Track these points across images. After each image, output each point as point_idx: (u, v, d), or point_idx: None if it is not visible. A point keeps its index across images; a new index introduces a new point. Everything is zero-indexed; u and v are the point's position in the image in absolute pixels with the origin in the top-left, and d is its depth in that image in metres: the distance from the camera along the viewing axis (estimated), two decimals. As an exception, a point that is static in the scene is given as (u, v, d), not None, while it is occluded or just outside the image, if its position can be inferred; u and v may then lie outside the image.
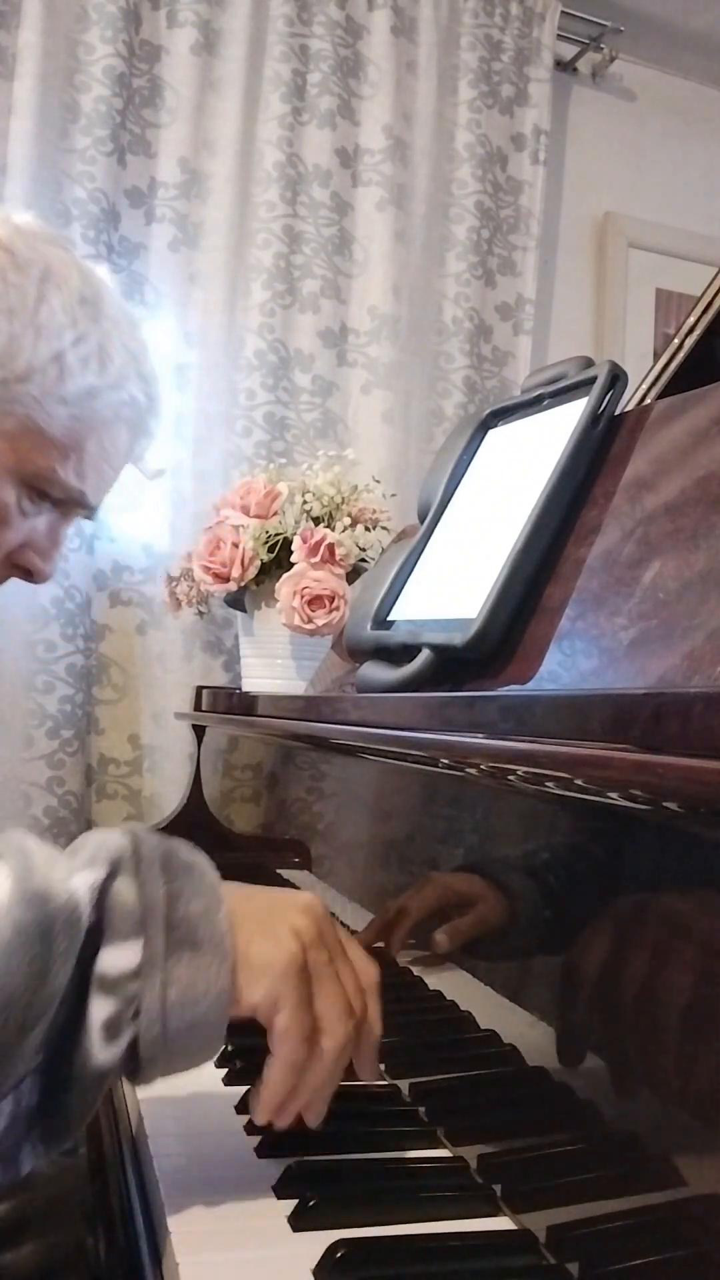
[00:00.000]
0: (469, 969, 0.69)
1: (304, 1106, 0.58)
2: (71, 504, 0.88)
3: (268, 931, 0.57)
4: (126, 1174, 0.68)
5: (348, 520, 1.44)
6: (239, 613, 1.57)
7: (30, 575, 0.90)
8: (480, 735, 0.60)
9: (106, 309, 0.84)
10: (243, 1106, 0.69)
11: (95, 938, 0.53)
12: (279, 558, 1.43)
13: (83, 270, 0.85)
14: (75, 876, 0.54)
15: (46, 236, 0.85)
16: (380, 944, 0.82)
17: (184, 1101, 0.72)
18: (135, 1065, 0.53)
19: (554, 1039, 0.57)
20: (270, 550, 1.44)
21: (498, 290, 2.18)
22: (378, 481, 1.55)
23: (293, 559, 1.40)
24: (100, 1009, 0.52)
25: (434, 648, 0.81)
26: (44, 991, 0.50)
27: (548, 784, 0.51)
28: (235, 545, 1.43)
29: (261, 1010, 0.56)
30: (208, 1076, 0.75)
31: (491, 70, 2.16)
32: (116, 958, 0.53)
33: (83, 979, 0.52)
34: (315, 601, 1.36)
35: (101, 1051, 0.52)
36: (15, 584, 0.93)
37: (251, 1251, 0.55)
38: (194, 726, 1.62)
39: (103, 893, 0.54)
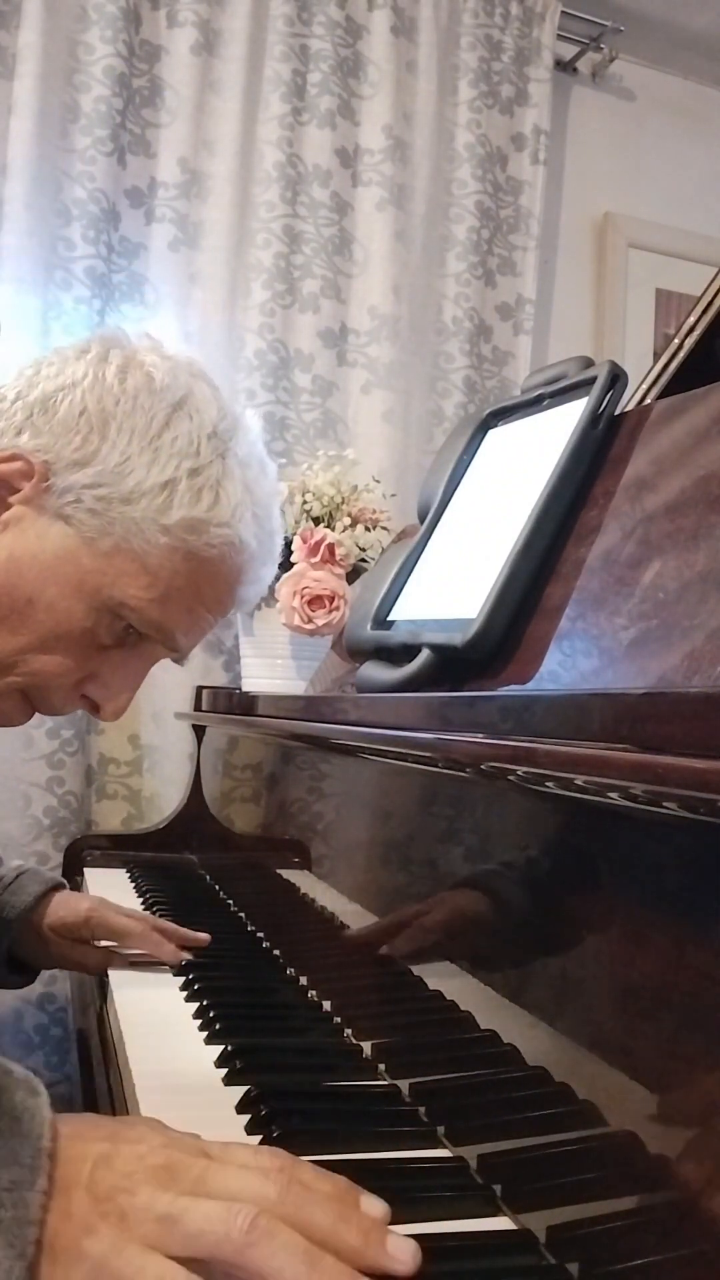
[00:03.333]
0: (469, 969, 0.69)
1: None
2: (155, 642, 0.81)
3: (103, 1219, 0.42)
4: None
5: (348, 520, 1.44)
6: (239, 612, 1.57)
7: (96, 709, 0.82)
8: (480, 735, 0.60)
9: (236, 449, 0.80)
10: (244, 1107, 0.69)
11: None
12: (279, 558, 1.44)
13: (225, 409, 0.80)
14: None
15: (195, 370, 0.81)
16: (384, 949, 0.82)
17: (183, 1102, 0.72)
18: None
19: (554, 1039, 0.57)
20: (270, 550, 1.44)
21: (498, 290, 2.18)
22: (378, 481, 1.55)
23: (293, 559, 1.40)
24: None
25: (434, 648, 0.81)
26: None
27: (547, 784, 0.51)
28: (235, 545, 1.43)
29: None
30: (207, 1076, 0.75)
31: (491, 70, 2.16)
32: None
33: None
34: (315, 601, 1.36)
35: None
36: None
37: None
38: (194, 726, 1.63)
39: None
